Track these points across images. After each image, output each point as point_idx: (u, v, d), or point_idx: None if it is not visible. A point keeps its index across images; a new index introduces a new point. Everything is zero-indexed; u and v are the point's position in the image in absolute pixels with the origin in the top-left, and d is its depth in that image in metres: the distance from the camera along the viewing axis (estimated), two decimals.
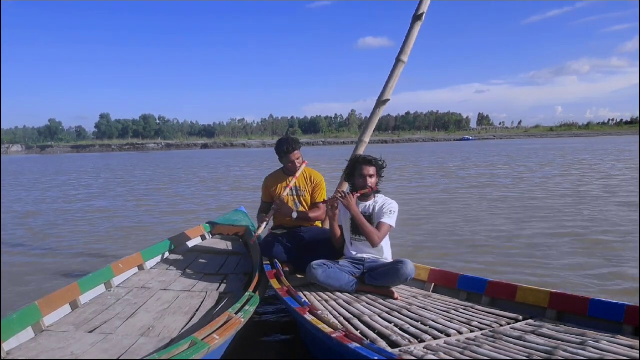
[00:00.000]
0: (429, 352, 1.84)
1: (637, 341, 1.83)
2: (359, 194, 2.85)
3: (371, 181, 2.86)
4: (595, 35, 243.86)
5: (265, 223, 3.30)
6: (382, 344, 1.94)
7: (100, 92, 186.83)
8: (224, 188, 12.39)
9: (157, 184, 14.40)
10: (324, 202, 3.02)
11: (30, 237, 6.34)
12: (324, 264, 2.78)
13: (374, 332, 2.10)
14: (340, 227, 2.98)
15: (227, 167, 22.67)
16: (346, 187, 3.49)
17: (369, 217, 2.85)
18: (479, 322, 2.18)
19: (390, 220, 2.82)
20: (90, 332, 2.28)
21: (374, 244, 2.78)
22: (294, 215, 3.25)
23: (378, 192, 2.93)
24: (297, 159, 3.30)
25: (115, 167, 25.80)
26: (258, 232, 3.33)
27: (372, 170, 2.89)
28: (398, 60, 3.63)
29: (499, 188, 10.35)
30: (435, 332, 2.05)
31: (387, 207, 2.85)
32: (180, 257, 3.84)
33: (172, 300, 2.78)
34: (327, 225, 3.38)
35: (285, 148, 3.27)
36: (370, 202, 2.91)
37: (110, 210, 8.76)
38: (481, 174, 14.26)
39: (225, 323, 2.09)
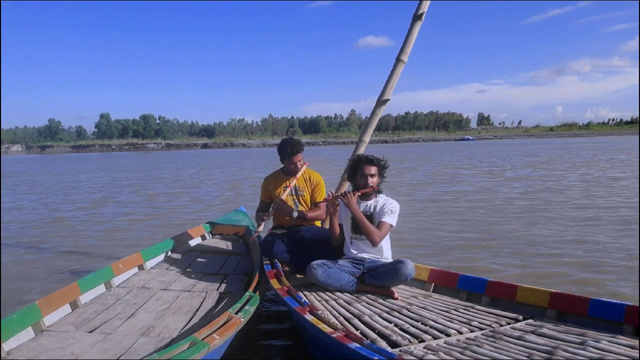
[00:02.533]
0: (429, 352, 1.84)
1: (637, 341, 1.82)
2: (359, 193, 2.85)
3: (372, 181, 2.87)
4: (597, 35, 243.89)
5: (264, 222, 3.31)
6: (382, 343, 1.94)
7: (100, 92, 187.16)
8: (247, 192, 11.08)
9: (175, 187, 13.13)
10: (325, 200, 3.03)
11: (32, 238, 6.34)
12: (324, 264, 2.78)
13: (374, 332, 2.10)
14: (340, 225, 2.98)
15: (241, 167, 21.58)
16: (346, 186, 3.50)
17: (370, 217, 2.85)
18: (479, 322, 2.18)
19: (391, 219, 2.82)
20: (90, 332, 2.28)
21: (374, 243, 2.79)
22: (294, 214, 3.25)
23: (380, 192, 2.94)
24: (299, 160, 3.32)
25: (126, 167, 25.10)
26: (258, 230, 3.34)
27: (373, 169, 2.89)
28: (398, 60, 3.63)
29: (576, 192, 8.94)
30: (435, 332, 2.05)
31: (388, 206, 2.85)
32: (180, 257, 3.84)
33: (172, 300, 2.78)
34: (327, 225, 3.39)
35: (289, 150, 3.27)
36: (371, 202, 2.91)
37: (140, 218, 7.67)
38: (534, 176, 12.56)
39: (225, 323, 2.09)
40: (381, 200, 2.92)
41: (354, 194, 2.83)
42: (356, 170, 2.94)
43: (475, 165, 18.45)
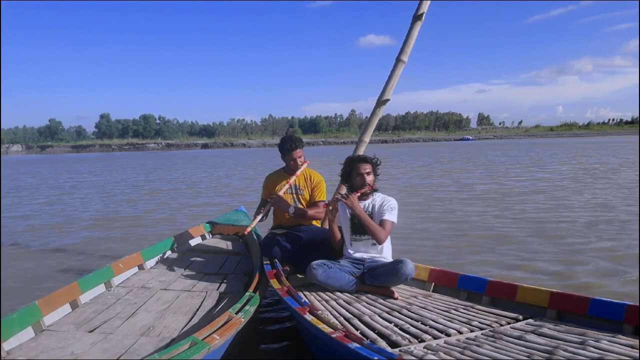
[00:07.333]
0: (429, 351, 1.84)
1: (637, 341, 1.82)
2: (359, 193, 2.85)
3: (369, 179, 2.88)
4: (599, 34, 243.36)
5: (260, 216, 3.34)
6: (382, 343, 1.93)
7: (100, 92, 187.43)
8: None
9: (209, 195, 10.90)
10: (326, 204, 3.02)
11: (33, 238, 6.34)
12: (324, 264, 2.78)
13: (374, 332, 2.09)
14: (340, 228, 2.98)
15: (267, 166, 19.85)
16: (344, 190, 3.49)
17: (370, 216, 2.85)
18: (479, 322, 2.18)
19: (392, 216, 2.84)
20: (90, 331, 2.28)
21: (380, 241, 2.80)
22: (291, 210, 3.25)
23: (376, 190, 2.95)
24: (299, 157, 3.33)
25: (138, 166, 24.44)
26: (253, 224, 3.38)
27: (368, 167, 2.90)
28: (398, 60, 3.64)
29: None
30: (435, 332, 2.05)
31: (387, 204, 2.86)
32: (180, 256, 3.84)
33: (172, 300, 2.78)
34: (326, 226, 3.38)
35: (288, 145, 3.31)
36: (369, 201, 2.92)
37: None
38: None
39: (225, 323, 2.08)
40: (378, 198, 2.92)
41: (354, 195, 2.83)
42: (351, 171, 2.94)
43: (550, 167, 15.15)
